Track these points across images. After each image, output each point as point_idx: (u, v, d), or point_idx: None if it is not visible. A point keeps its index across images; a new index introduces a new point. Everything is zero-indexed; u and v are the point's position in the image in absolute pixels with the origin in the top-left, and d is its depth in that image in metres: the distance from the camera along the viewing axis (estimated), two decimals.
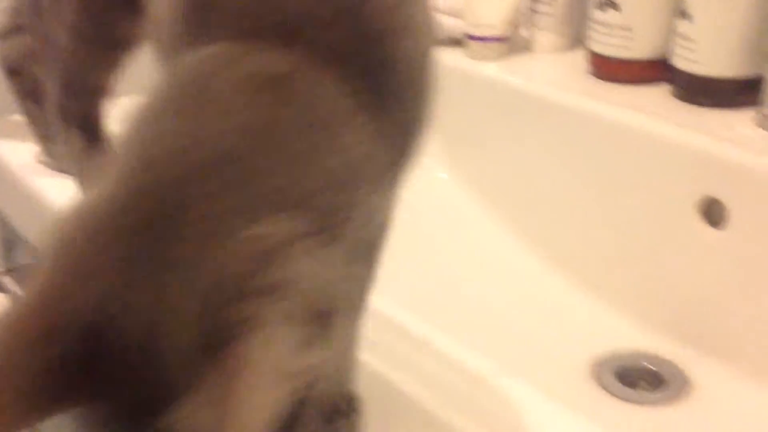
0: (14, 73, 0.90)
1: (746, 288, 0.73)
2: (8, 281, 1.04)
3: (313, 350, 0.42)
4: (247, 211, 0.42)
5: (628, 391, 0.72)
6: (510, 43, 0.98)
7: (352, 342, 0.62)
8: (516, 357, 0.74)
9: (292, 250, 0.42)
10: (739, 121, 0.79)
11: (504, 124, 0.93)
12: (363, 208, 0.49)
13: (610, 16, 0.88)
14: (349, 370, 0.62)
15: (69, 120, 0.78)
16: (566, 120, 0.87)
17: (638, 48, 0.87)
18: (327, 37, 0.47)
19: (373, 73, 0.49)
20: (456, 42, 0.99)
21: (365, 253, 0.60)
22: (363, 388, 0.62)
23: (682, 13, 0.82)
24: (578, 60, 0.93)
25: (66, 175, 0.83)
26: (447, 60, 0.96)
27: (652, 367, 0.74)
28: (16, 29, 0.88)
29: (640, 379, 0.74)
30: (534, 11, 0.99)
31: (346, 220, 0.47)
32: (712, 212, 0.76)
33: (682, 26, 0.82)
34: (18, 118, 0.93)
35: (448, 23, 1.00)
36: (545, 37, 0.99)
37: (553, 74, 0.94)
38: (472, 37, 0.98)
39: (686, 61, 0.82)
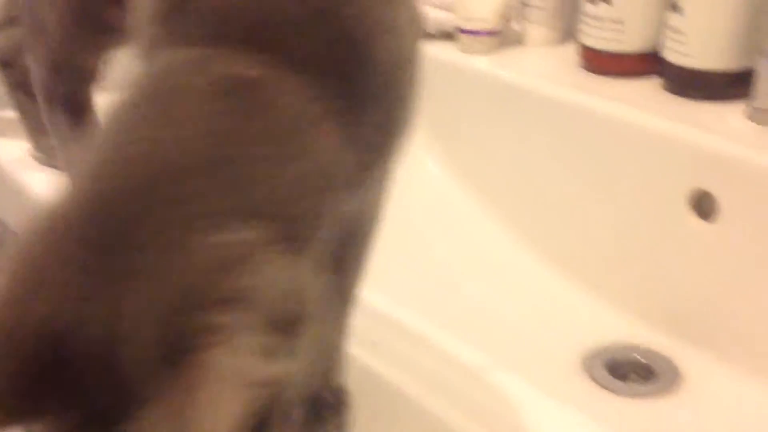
0: (6, 65, 0.90)
1: (737, 280, 0.73)
2: None
3: (278, 359, 0.42)
4: (209, 219, 0.42)
5: (619, 383, 0.73)
6: (501, 36, 0.98)
7: (339, 338, 0.62)
8: (508, 350, 0.74)
9: (255, 258, 0.42)
10: (729, 114, 0.79)
11: (495, 117, 0.93)
12: (333, 215, 0.48)
13: (601, 9, 0.88)
14: (336, 366, 0.62)
15: (54, 102, 0.78)
16: (558, 113, 0.87)
17: (629, 41, 0.87)
18: (301, 41, 0.47)
19: (351, 77, 0.48)
20: (447, 36, 0.99)
21: (347, 255, 0.60)
22: (354, 381, 0.63)
23: (673, 6, 0.82)
24: (569, 53, 0.93)
25: (57, 170, 0.83)
26: (438, 54, 0.96)
27: (643, 359, 0.75)
28: (9, 21, 0.88)
29: (631, 371, 0.74)
30: (525, 5, 0.99)
31: (314, 227, 0.46)
32: (703, 205, 0.76)
33: (673, 19, 0.82)
34: (9, 114, 0.93)
35: (439, 17, 1.00)
36: (536, 30, 0.99)
37: (544, 68, 0.94)
38: (463, 31, 0.98)
39: (677, 54, 0.82)
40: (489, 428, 0.62)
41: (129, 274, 0.40)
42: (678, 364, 0.74)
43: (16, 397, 0.41)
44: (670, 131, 0.79)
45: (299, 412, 0.60)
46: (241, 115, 0.45)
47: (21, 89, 0.89)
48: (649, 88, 0.85)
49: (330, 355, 0.62)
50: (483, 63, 0.96)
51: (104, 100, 0.72)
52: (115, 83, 0.55)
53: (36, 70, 0.79)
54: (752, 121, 0.77)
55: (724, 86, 0.81)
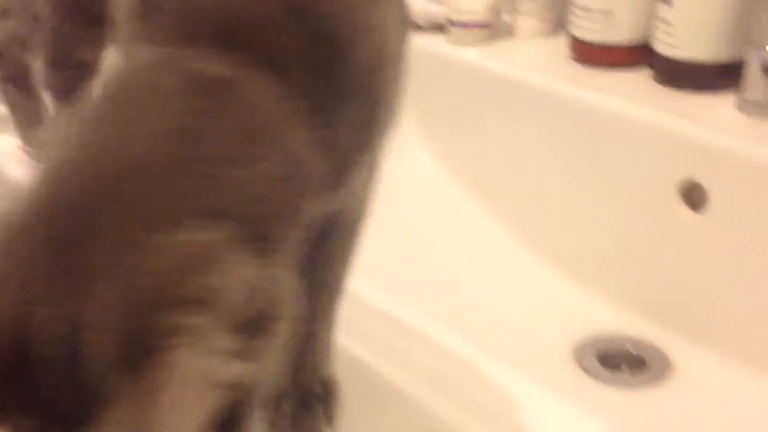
0: None
1: (727, 270, 0.74)
2: None
3: (245, 360, 0.41)
4: (172, 218, 0.41)
5: (610, 374, 0.73)
6: (492, 28, 0.98)
7: (327, 331, 0.62)
8: (499, 342, 0.74)
9: (220, 258, 0.41)
10: (719, 105, 0.79)
11: (486, 109, 0.93)
12: (307, 214, 0.48)
13: (591, 1, 0.88)
14: (324, 358, 0.62)
15: (55, 95, 0.78)
16: (548, 105, 0.87)
17: (619, 33, 0.87)
18: (274, 40, 0.47)
19: (328, 76, 0.48)
20: (438, 28, 0.99)
21: (333, 250, 0.60)
22: (343, 372, 0.63)
23: None
24: (560, 45, 0.93)
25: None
26: (429, 46, 0.96)
27: (634, 350, 0.75)
28: (1, 13, 0.88)
29: (622, 362, 0.74)
30: None
31: (285, 227, 0.46)
32: (693, 196, 0.76)
33: (663, 11, 0.82)
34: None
35: (430, 9, 1.00)
36: (527, 22, 0.99)
37: (534, 59, 0.94)
38: (454, 23, 0.97)
39: (666, 45, 0.82)
40: (481, 419, 0.63)
41: (90, 275, 0.40)
42: (669, 355, 0.74)
43: None
44: (661, 122, 0.79)
45: (289, 404, 0.61)
46: (209, 114, 0.44)
47: (11, 82, 0.88)
48: (639, 80, 0.85)
49: (318, 348, 0.62)
50: (474, 55, 0.96)
51: None
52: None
53: (37, 64, 0.79)
54: (742, 112, 0.77)
55: (713, 77, 0.81)
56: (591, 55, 0.90)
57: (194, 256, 0.41)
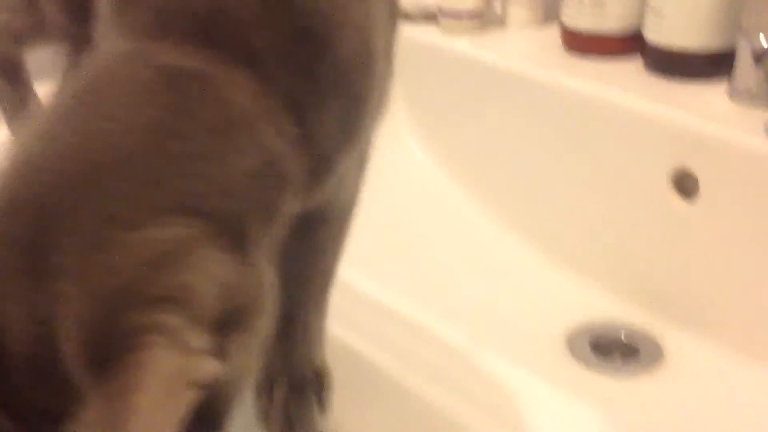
0: None
1: (718, 258, 0.74)
2: None
3: (222, 357, 0.41)
4: (142, 215, 0.41)
5: (602, 362, 0.73)
6: (483, 18, 0.98)
7: (319, 320, 0.62)
8: (492, 331, 0.75)
9: (191, 254, 0.41)
10: (710, 94, 0.79)
11: (477, 99, 0.93)
12: (283, 208, 0.47)
13: None
14: (317, 346, 0.62)
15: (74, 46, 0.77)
16: (539, 94, 0.87)
17: (610, 22, 0.88)
18: (252, 36, 0.46)
19: (308, 73, 0.47)
20: (430, 18, 0.99)
21: (321, 240, 0.59)
22: (335, 362, 0.63)
23: None
24: (551, 35, 0.93)
25: None
26: (420, 36, 0.96)
27: (626, 338, 0.75)
28: None
29: (614, 350, 0.74)
30: None
31: (261, 222, 0.45)
32: (685, 184, 0.76)
33: (654, 0, 0.82)
34: None
35: None
36: (518, 12, 0.99)
37: (526, 49, 0.94)
38: (445, 13, 0.97)
39: (658, 34, 0.83)
40: (474, 407, 0.63)
41: (59, 273, 0.39)
42: (661, 342, 0.74)
43: None
44: (652, 111, 0.79)
45: (281, 390, 0.61)
46: (182, 109, 0.43)
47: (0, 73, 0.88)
48: (630, 69, 0.85)
49: (310, 337, 0.62)
50: (465, 45, 0.96)
51: None
52: None
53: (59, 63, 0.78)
54: (733, 100, 0.78)
55: (705, 66, 0.81)
56: (582, 44, 0.90)
57: (165, 253, 0.40)
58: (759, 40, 0.75)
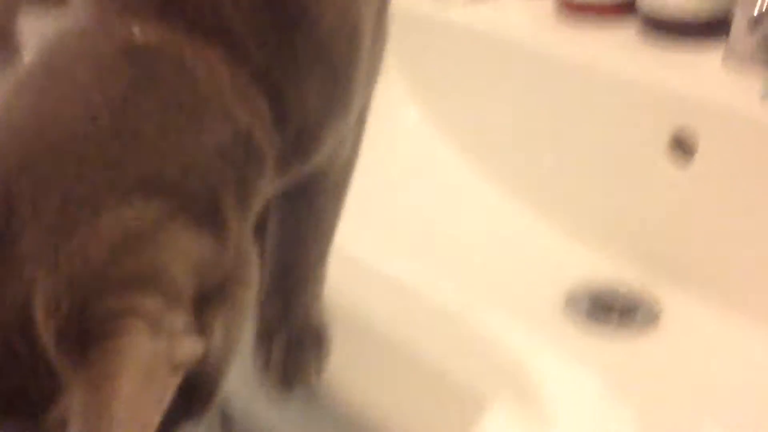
0: None
1: (714, 221, 0.75)
2: None
3: (205, 333, 0.40)
4: (106, 196, 0.39)
5: (601, 322, 0.74)
6: None
7: (317, 282, 0.62)
8: (490, 293, 0.75)
9: (159, 233, 0.40)
10: (706, 59, 0.80)
11: (473, 68, 0.93)
12: (261, 183, 0.46)
13: None
14: (316, 304, 0.63)
15: None
16: (534, 62, 0.88)
17: None
18: (225, 7, 0.44)
19: (285, 46, 0.45)
20: None
21: (318, 205, 0.59)
22: (333, 320, 0.63)
23: None
24: (546, 3, 0.94)
25: None
26: (415, 5, 0.96)
27: (624, 299, 0.76)
28: None
29: (612, 311, 0.75)
30: None
31: (234, 197, 0.44)
32: (682, 147, 0.77)
33: None
34: None
35: None
36: None
37: (520, 18, 0.95)
38: None
39: (653, 0, 0.83)
40: (473, 368, 0.64)
41: (27, 261, 0.38)
42: (659, 302, 0.75)
43: None
44: (648, 77, 0.80)
45: (280, 345, 0.61)
46: (143, 86, 0.42)
47: None
48: (626, 35, 0.86)
49: (309, 301, 0.62)
50: (460, 14, 0.96)
51: None
52: None
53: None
54: (728, 65, 0.78)
55: (700, 31, 0.82)
56: (577, 11, 0.90)
57: (134, 233, 0.39)
58: (754, 5, 0.76)
